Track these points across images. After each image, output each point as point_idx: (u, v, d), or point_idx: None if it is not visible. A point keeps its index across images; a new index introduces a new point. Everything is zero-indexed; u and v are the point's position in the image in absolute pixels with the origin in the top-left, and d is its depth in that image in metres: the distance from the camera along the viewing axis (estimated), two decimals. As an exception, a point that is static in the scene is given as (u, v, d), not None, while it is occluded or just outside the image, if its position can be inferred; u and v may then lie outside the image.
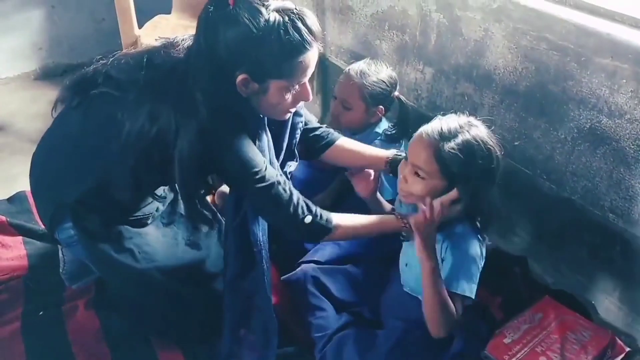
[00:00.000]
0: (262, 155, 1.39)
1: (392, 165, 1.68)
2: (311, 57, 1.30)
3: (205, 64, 1.28)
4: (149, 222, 1.62)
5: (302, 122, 1.64)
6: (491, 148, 1.34)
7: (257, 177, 1.35)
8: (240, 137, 1.34)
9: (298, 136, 1.65)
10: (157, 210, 1.65)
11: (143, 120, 1.31)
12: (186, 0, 2.67)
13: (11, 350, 1.57)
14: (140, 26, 2.52)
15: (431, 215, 1.31)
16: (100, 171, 1.43)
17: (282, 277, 1.72)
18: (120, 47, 2.33)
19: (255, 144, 1.40)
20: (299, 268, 1.71)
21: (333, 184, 2.11)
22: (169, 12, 2.74)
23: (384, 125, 1.94)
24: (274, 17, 1.23)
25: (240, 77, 1.28)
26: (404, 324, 1.53)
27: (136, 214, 1.59)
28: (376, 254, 1.80)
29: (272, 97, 1.34)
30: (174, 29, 2.54)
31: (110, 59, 1.44)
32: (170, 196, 1.72)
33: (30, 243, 1.91)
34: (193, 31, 1.34)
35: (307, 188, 2.03)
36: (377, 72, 1.84)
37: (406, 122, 1.93)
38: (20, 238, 1.98)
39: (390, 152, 1.71)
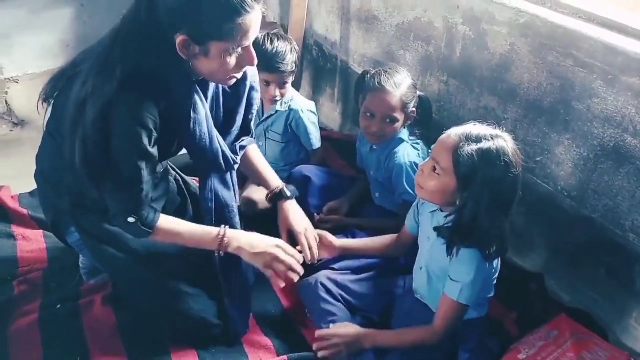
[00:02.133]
0: (149, 145, 1.34)
1: (276, 195, 1.72)
2: (252, 19, 1.28)
3: (139, 25, 1.27)
4: None
5: (257, 98, 1.63)
6: (509, 162, 1.33)
7: (130, 160, 1.32)
8: (142, 113, 1.29)
9: (254, 112, 1.64)
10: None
11: (77, 86, 1.31)
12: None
13: (28, 341, 1.59)
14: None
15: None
16: (73, 170, 1.40)
17: (296, 281, 1.73)
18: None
19: (189, 116, 1.39)
20: (314, 274, 1.71)
21: (350, 190, 2.11)
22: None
23: (404, 130, 1.94)
24: None
25: (180, 38, 1.26)
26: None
27: None
28: (391, 263, 1.80)
29: (213, 60, 1.31)
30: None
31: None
32: (178, 200, 1.72)
33: (50, 236, 1.93)
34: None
35: (324, 194, 2.05)
36: (404, 78, 1.84)
37: (430, 115, 1.94)
38: (40, 231, 2.01)
39: (277, 184, 1.73)
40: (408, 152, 1.87)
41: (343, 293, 1.67)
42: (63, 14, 3.11)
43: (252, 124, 1.65)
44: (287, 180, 2.07)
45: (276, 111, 2.18)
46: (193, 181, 1.82)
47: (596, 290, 1.76)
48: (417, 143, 1.92)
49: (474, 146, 1.33)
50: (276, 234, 1.66)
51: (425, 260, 1.56)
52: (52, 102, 1.46)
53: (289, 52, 2.03)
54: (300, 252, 1.60)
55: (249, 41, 1.33)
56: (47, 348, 1.58)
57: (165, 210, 1.53)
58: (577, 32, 1.63)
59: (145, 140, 1.31)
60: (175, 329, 1.63)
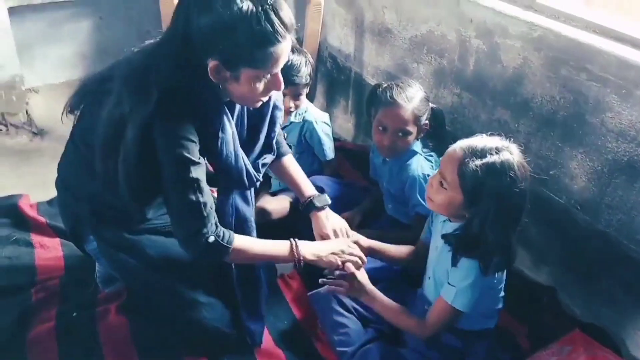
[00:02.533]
0: (198, 156, 1.36)
1: (307, 206, 1.74)
2: (283, 49, 1.31)
3: (175, 48, 1.29)
4: (167, 229, 1.63)
5: (281, 117, 1.65)
6: (515, 176, 1.32)
7: (183, 173, 1.34)
8: (183, 129, 1.33)
9: (277, 130, 1.66)
10: None
11: (110, 106, 1.33)
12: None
13: (45, 349, 1.61)
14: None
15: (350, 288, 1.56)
16: (97, 177, 1.44)
17: (308, 293, 1.74)
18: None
19: (217, 136, 1.41)
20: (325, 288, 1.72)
21: (364, 201, 2.12)
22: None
23: (418, 143, 1.94)
24: (247, 5, 1.23)
25: (212, 64, 1.28)
26: (426, 345, 1.55)
27: (154, 223, 1.63)
28: (403, 273, 1.80)
29: (243, 85, 1.34)
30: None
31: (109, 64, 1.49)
32: None
33: (68, 245, 1.96)
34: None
35: (337, 205, 2.06)
36: (417, 91, 1.84)
37: (443, 127, 1.95)
38: (58, 240, 2.04)
39: (313, 193, 1.76)
40: (421, 164, 1.87)
41: (355, 305, 1.67)
42: (82, 27, 3.17)
43: (274, 142, 1.68)
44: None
45: (290, 122, 2.20)
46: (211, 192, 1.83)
47: (610, 306, 1.75)
48: (431, 155, 1.92)
49: (478, 161, 1.32)
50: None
51: (432, 269, 1.56)
52: (78, 114, 1.50)
53: (303, 65, 2.05)
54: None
55: (278, 69, 1.36)
56: (64, 355, 1.60)
57: None
58: (591, 46, 1.63)
59: (193, 151, 1.34)
60: (189, 338, 1.64)
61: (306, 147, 2.26)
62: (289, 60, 2.02)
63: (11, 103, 2.78)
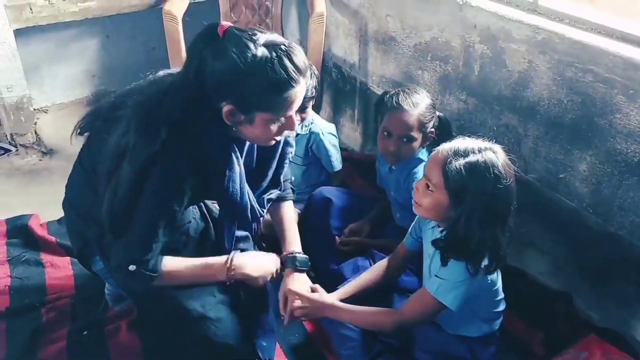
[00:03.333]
0: (182, 204, 1.37)
1: (288, 260, 1.68)
2: (297, 93, 1.31)
3: (188, 90, 1.29)
4: (172, 247, 1.60)
5: (291, 153, 1.65)
6: (499, 174, 1.31)
7: (159, 215, 1.34)
8: (180, 178, 1.33)
9: (286, 166, 1.66)
10: (185, 241, 1.63)
11: (119, 135, 1.33)
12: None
13: (56, 368, 1.62)
14: (188, 55, 2.61)
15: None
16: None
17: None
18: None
19: (224, 173, 1.41)
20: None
21: (371, 211, 2.11)
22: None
23: (424, 151, 1.93)
24: (261, 52, 1.23)
25: (226, 108, 1.29)
26: (434, 357, 1.53)
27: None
28: (410, 285, 1.78)
29: (257, 128, 1.34)
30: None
31: (122, 90, 1.49)
32: (201, 225, 1.74)
33: (78, 264, 1.94)
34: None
35: (346, 215, 2.05)
36: (423, 98, 1.84)
37: (450, 135, 1.93)
38: (68, 258, 2.05)
39: (297, 250, 1.70)
40: None
41: None
42: (89, 46, 3.21)
43: (282, 177, 1.67)
44: (308, 202, 2.08)
45: (297, 134, 2.19)
46: (215, 206, 1.83)
47: (626, 309, 1.72)
48: None
49: (461, 160, 1.32)
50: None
51: (426, 277, 1.54)
52: (88, 137, 1.51)
53: (308, 78, 2.05)
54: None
55: (293, 112, 1.36)
56: (75, 375, 1.60)
57: (188, 236, 1.56)
58: (596, 48, 1.61)
59: (175, 205, 1.35)
60: (200, 354, 1.63)
61: (313, 158, 2.26)
62: None
63: (20, 123, 2.81)
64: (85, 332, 1.73)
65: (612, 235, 1.69)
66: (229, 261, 1.51)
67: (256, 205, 1.56)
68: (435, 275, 1.42)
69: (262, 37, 1.26)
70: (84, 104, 3.30)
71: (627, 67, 1.54)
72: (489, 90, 1.99)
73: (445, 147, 1.38)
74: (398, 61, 2.44)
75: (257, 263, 1.58)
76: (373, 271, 1.71)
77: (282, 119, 1.35)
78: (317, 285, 1.67)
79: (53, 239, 2.12)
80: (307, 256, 1.71)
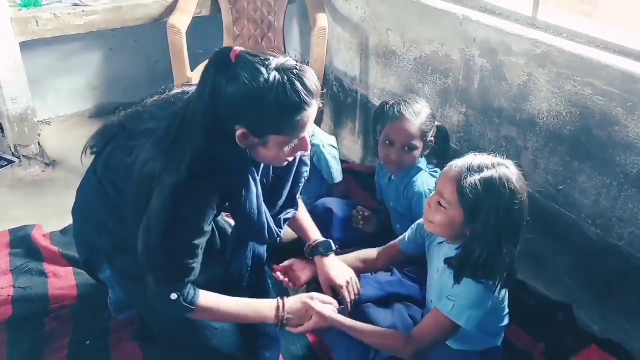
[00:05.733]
0: (209, 223, 1.39)
1: (312, 250, 1.73)
2: (310, 115, 1.32)
3: (202, 114, 1.30)
4: None
5: (306, 172, 1.66)
6: (514, 189, 1.32)
7: (191, 237, 1.35)
8: (208, 198, 1.35)
9: (301, 185, 1.67)
10: None
11: (140, 165, 1.35)
12: (237, 46, 2.79)
13: (58, 378, 1.62)
14: (192, 69, 2.64)
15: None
16: (123, 217, 1.46)
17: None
18: (172, 88, 2.45)
19: (241, 194, 1.42)
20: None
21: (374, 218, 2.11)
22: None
23: (422, 160, 1.95)
24: (273, 76, 1.24)
25: (239, 132, 1.30)
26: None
27: None
28: (411, 292, 1.79)
29: (270, 150, 1.36)
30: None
31: (130, 110, 1.52)
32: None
33: (80, 274, 1.97)
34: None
35: (347, 226, 2.06)
36: (423, 107, 1.86)
37: (448, 144, 1.96)
38: (71, 268, 2.05)
39: (318, 238, 1.75)
40: (427, 180, 1.87)
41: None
42: (92, 59, 3.24)
43: (297, 196, 1.68)
44: (310, 213, 2.09)
45: None
46: (222, 216, 1.84)
47: (627, 320, 1.72)
48: (435, 171, 1.92)
49: (476, 176, 1.32)
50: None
51: (435, 293, 1.55)
52: (102, 153, 1.53)
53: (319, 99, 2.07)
54: (341, 304, 1.62)
55: (305, 133, 1.37)
56: (77, 384, 1.61)
57: None
58: (595, 61, 1.64)
59: (206, 226, 1.37)
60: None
61: (314, 170, 2.27)
62: None
63: (23, 135, 2.82)
64: (87, 342, 1.73)
65: (612, 247, 1.70)
66: (281, 307, 1.51)
67: (273, 225, 1.57)
68: (447, 297, 1.40)
69: (274, 61, 1.27)
70: (86, 116, 3.33)
71: (625, 80, 1.56)
72: (489, 103, 2.02)
73: (458, 163, 1.38)
74: (398, 74, 2.46)
75: (302, 306, 1.55)
76: (362, 253, 1.75)
77: (295, 140, 1.37)
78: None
79: (56, 249, 2.12)
80: (329, 240, 1.75)
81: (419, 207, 1.85)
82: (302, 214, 1.81)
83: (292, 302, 1.53)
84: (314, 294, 1.58)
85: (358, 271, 1.74)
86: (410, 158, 1.86)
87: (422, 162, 1.91)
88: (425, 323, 1.45)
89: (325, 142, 2.25)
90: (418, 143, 1.83)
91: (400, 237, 1.71)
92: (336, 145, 2.31)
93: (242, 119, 1.28)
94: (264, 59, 1.27)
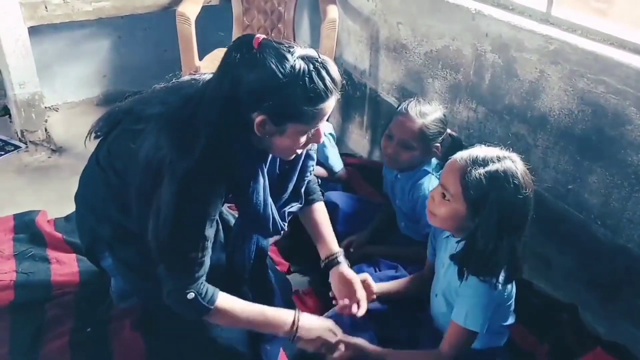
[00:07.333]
0: (217, 213, 1.38)
1: (328, 264, 1.67)
2: (331, 105, 1.31)
3: (219, 101, 1.29)
4: None
5: (312, 167, 1.65)
6: (519, 184, 1.30)
7: (199, 228, 1.33)
8: (217, 186, 1.34)
9: (307, 179, 1.65)
10: None
11: (147, 150, 1.33)
12: (245, 35, 2.78)
13: (58, 364, 1.61)
14: (200, 58, 2.62)
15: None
16: (124, 205, 1.45)
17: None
18: (179, 77, 2.44)
19: (249, 185, 1.41)
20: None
21: (373, 221, 2.09)
22: (228, 46, 2.85)
23: (434, 162, 1.93)
24: (299, 64, 1.23)
25: (258, 119, 1.28)
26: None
27: None
28: (414, 295, 1.77)
29: (287, 139, 1.34)
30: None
31: (138, 95, 1.50)
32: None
33: (83, 260, 1.96)
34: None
35: (352, 221, 2.05)
36: (434, 111, 1.84)
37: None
38: (74, 255, 2.05)
39: (339, 250, 1.70)
40: (433, 183, 1.85)
41: (368, 327, 1.64)
42: (101, 46, 3.23)
43: (303, 190, 1.66)
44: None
45: None
46: (226, 207, 1.83)
47: (633, 323, 1.70)
48: None
49: (481, 170, 1.30)
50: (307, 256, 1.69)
51: (441, 287, 1.53)
52: (106, 140, 1.52)
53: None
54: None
55: (322, 124, 1.36)
56: (77, 372, 1.60)
57: None
58: (609, 59, 1.61)
59: (214, 214, 1.36)
60: (204, 356, 1.63)
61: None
62: None
63: (30, 120, 2.82)
64: (88, 329, 1.72)
65: (621, 248, 1.68)
66: (295, 323, 1.48)
67: (278, 219, 1.56)
68: (459, 305, 1.40)
69: (298, 49, 1.27)
70: (94, 104, 3.33)
71: (640, 79, 1.53)
72: (500, 100, 1.99)
73: (462, 155, 1.36)
74: (409, 69, 2.44)
75: (322, 326, 1.53)
76: (409, 282, 1.72)
77: (312, 130, 1.36)
78: (368, 278, 1.66)
79: (60, 235, 2.12)
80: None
81: (424, 209, 1.83)
82: (322, 216, 1.76)
83: (309, 323, 1.50)
84: (334, 328, 1.54)
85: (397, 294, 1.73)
86: (407, 157, 1.84)
87: (431, 166, 1.89)
88: (448, 337, 1.44)
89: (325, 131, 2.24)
90: (415, 143, 1.81)
91: (427, 256, 1.70)
92: (334, 133, 2.30)
93: (263, 105, 1.27)
94: (288, 46, 1.27)
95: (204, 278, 1.40)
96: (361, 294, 1.61)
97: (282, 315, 1.49)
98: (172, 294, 1.39)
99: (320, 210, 1.76)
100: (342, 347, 1.50)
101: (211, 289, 1.41)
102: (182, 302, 1.37)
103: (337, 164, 2.28)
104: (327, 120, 1.44)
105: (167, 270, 1.38)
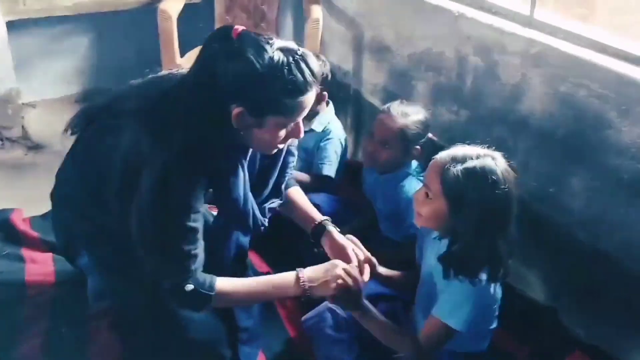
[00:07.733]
0: (202, 204, 1.36)
1: (316, 230, 1.65)
2: (310, 98, 1.31)
3: (197, 92, 1.27)
4: None
5: (293, 162, 1.64)
6: (497, 179, 1.29)
7: (185, 220, 1.31)
8: (198, 176, 1.32)
9: (287, 175, 1.64)
10: None
11: (126, 144, 1.31)
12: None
13: (32, 366, 1.58)
14: (181, 56, 2.59)
15: (356, 283, 1.41)
16: (102, 202, 1.42)
17: (302, 318, 1.69)
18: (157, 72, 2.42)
19: (228, 179, 1.40)
20: (321, 305, 1.68)
21: (354, 220, 2.09)
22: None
23: (414, 165, 1.93)
24: (278, 56, 1.23)
25: (236, 110, 1.27)
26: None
27: None
28: (400, 294, 1.77)
29: (265, 132, 1.33)
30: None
31: (113, 90, 1.48)
32: None
33: (59, 260, 1.92)
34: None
35: (332, 222, 2.03)
36: (416, 112, 1.84)
37: None
38: (50, 254, 2.01)
39: (320, 218, 1.67)
40: (414, 185, 1.85)
41: (352, 325, 1.63)
42: (81, 42, 3.18)
43: (283, 186, 1.65)
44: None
45: (312, 130, 2.20)
46: (205, 209, 1.80)
47: (613, 326, 1.71)
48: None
49: (459, 167, 1.31)
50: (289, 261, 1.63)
51: (427, 286, 1.53)
52: (82, 137, 1.49)
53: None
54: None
55: (301, 118, 1.35)
56: (51, 374, 1.57)
57: None
58: (591, 63, 1.62)
59: (197, 206, 1.33)
60: (182, 357, 1.60)
61: (311, 158, 2.26)
62: None
63: (7, 117, 2.77)
64: (63, 330, 1.69)
65: (601, 252, 1.69)
66: (300, 278, 1.44)
67: (258, 214, 1.54)
68: (441, 300, 1.39)
69: (277, 41, 1.26)
70: (72, 101, 3.26)
71: (621, 83, 1.54)
72: (481, 102, 2.00)
73: (444, 154, 1.37)
74: (392, 70, 2.44)
75: (325, 267, 1.49)
76: (404, 276, 1.69)
77: (292, 124, 1.34)
78: (356, 240, 1.62)
79: (36, 234, 2.08)
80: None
81: (408, 212, 1.82)
82: (300, 197, 1.74)
83: (311, 271, 1.46)
84: (336, 261, 1.50)
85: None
86: (385, 156, 1.85)
87: (412, 167, 1.89)
88: (426, 330, 1.43)
89: (336, 136, 2.24)
90: (394, 143, 1.82)
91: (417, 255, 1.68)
92: (344, 143, 2.31)
93: (241, 97, 1.25)
94: (267, 38, 1.25)
95: (200, 270, 1.37)
96: (354, 259, 1.56)
97: (285, 276, 1.46)
98: (170, 291, 1.37)
99: (297, 192, 1.74)
100: (355, 272, 1.46)
101: (208, 276, 1.39)
102: (182, 296, 1.35)
103: (329, 169, 2.23)
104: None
105: (160, 267, 1.36)
